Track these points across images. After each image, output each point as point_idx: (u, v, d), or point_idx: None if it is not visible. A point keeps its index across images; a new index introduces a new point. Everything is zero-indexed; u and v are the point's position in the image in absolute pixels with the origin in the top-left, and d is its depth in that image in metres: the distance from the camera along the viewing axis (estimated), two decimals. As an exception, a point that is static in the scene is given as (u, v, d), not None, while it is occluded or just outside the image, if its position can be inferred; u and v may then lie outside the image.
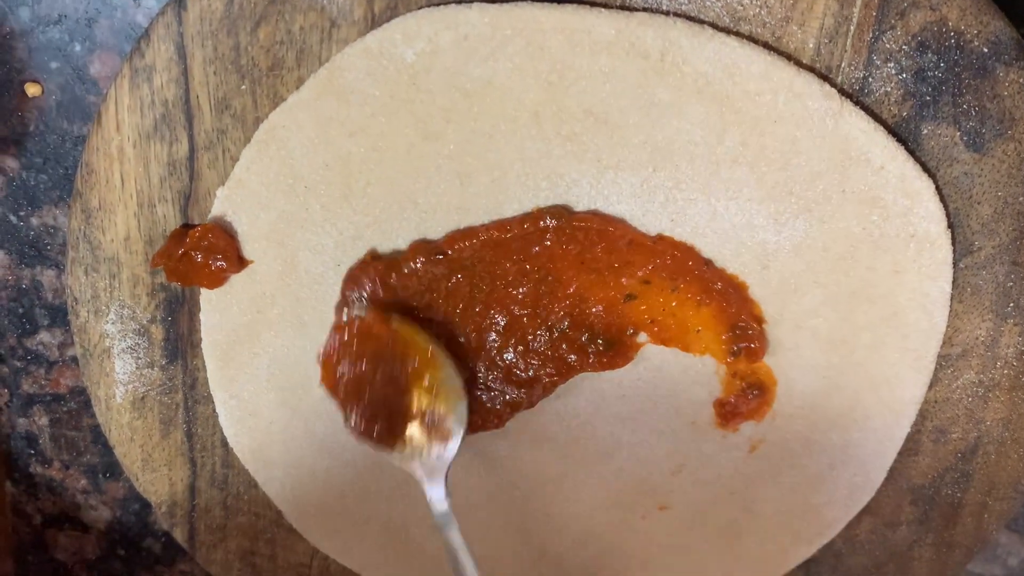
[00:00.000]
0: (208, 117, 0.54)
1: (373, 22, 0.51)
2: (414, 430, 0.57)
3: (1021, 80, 0.50)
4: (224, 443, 0.63)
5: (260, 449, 0.62)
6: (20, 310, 0.66)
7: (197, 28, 0.52)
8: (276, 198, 0.54)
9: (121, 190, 0.56)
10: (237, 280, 0.57)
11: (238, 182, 0.54)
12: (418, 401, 0.57)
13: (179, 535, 0.67)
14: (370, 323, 0.56)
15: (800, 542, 0.65)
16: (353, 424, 0.57)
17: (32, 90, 0.59)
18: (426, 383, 0.56)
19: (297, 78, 0.53)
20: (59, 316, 0.67)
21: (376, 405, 0.57)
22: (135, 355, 0.60)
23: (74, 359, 0.68)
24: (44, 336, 0.68)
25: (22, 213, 0.63)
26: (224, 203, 0.55)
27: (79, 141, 0.60)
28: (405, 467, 0.58)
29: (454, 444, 0.57)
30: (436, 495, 0.58)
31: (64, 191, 0.62)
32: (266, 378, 0.60)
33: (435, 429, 0.57)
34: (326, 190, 0.54)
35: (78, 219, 0.57)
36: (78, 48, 0.58)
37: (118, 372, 0.61)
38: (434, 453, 0.58)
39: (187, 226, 0.56)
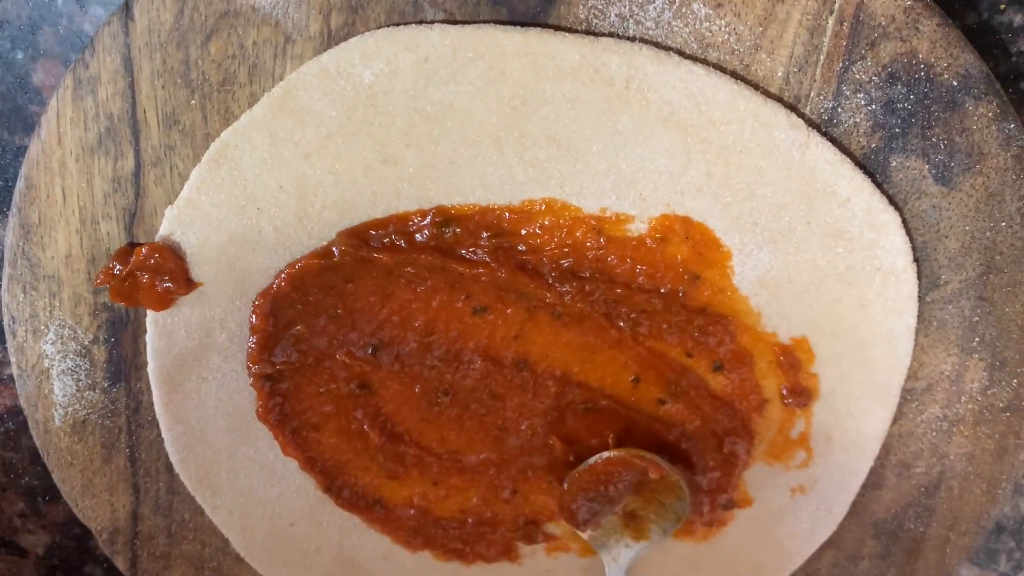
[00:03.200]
0: (155, 132, 0.52)
1: (329, 38, 0.49)
2: (613, 520, 0.60)
3: (990, 115, 0.49)
4: (169, 468, 0.61)
5: (207, 476, 0.60)
6: (-44, 327, 0.64)
7: (145, 40, 0.50)
8: (227, 219, 0.52)
9: (63, 206, 0.53)
10: (185, 302, 0.55)
11: (187, 202, 0.52)
12: (633, 502, 0.60)
13: (121, 563, 0.64)
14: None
15: (761, 574, 0.64)
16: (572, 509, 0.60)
17: (-29, 99, 0.56)
18: (650, 496, 0.60)
19: (249, 94, 0.51)
20: (-2, 333, 0.64)
21: (595, 495, 0.60)
22: (75, 377, 0.58)
23: (11, 378, 0.65)
24: (-19, 354, 0.65)
25: (-41, 226, 0.60)
26: (172, 223, 0.53)
27: (20, 152, 0.58)
28: (593, 545, 0.61)
29: (644, 544, 0.60)
30: (613, 573, 0.60)
31: (3, 203, 0.59)
32: (214, 404, 0.58)
33: (634, 525, 0.60)
34: (279, 212, 0.52)
35: (16, 234, 0.54)
36: (20, 56, 0.55)
37: (57, 394, 0.58)
38: (623, 542, 0.60)
39: (132, 245, 0.54)
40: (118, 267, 0.53)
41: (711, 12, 0.48)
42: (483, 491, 0.61)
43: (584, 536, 0.61)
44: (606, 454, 0.58)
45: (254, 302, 0.54)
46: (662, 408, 0.58)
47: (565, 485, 0.59)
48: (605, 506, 0.60)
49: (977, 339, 0.56)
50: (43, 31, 0.55)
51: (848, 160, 0.50)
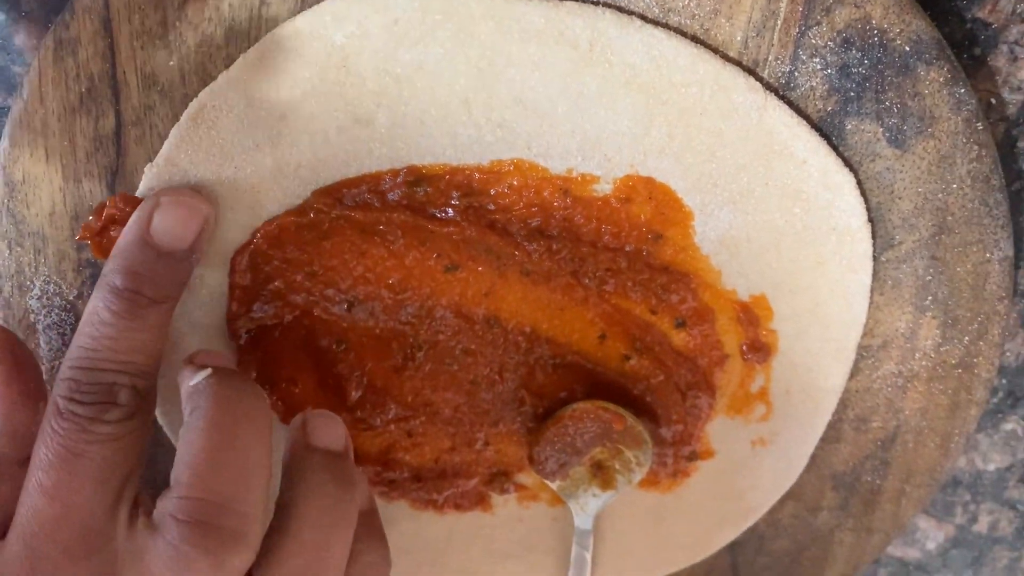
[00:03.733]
0: (135, 92, 0.53)
1: (304, 2, 0.51)
2: (581, 471, 0.63)
3: (941, 79, 0.51)
4: (154, 421, 0.62)
5: (189, 428, 0.62)
6: (-55, 283, 0.65)
7: (124, 2, 0.51)
8: (205, 177, 0.54)
9: (46, 164, 0.55)
10: (165, 258, 0.56)
11: (167, 160, 0.54)
12: (599, 452, 0.62)
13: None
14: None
15: (725, 525, 0.67)
16: (541, 460, 0.63)
17: (-45, 59, 0.57)
18: (615, 447, 0.62)
19: (226, 56, 0.52)
20: (-15, 290, 0.66)
21: (562, 447, 0.62)
22: (61, 331, 0.60)
23: None
24: (-30, 310, 0.66)
25: (-54, 185, 0.62)
26: (152, 180, 0.54)
27: (3, 112, 0.59)
28: (561, 495, 0.64)
29: (611, 493, 0.63)
30: (581, 522, 0.64)
31: (-10, 163, 0.61)
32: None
33: (600, 475, 0.63)
34: (255, 171, 0.54)
35: (2, 192, 0.56)
36: (2, 17, 0.56)
37: (43, 348, 0.60)
38: (590, 492, 0.63)
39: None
40: (97, 223, 0.55)
41: (672, -22, 0.49)
42: (456, 443, 0.63)
43: (553, 486, 0.63)
44: (573, 406, 0.60)
45: (232, 259, 0.56)
46: (627, 363, 0.61)
47: (534, 436, 0.61)
48: (572, 457, 0.62)
49: (930, 297, 0.58)
50: (25, -7, 0.56)
51: (804, 123, 0.52)
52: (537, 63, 0.50)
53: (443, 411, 0.62)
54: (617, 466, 0.62)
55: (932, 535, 0.74)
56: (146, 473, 0.64)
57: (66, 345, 0.60)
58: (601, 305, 0.58)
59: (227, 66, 0.52)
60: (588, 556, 0.63)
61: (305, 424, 0.52)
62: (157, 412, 0.61)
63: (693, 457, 0.63)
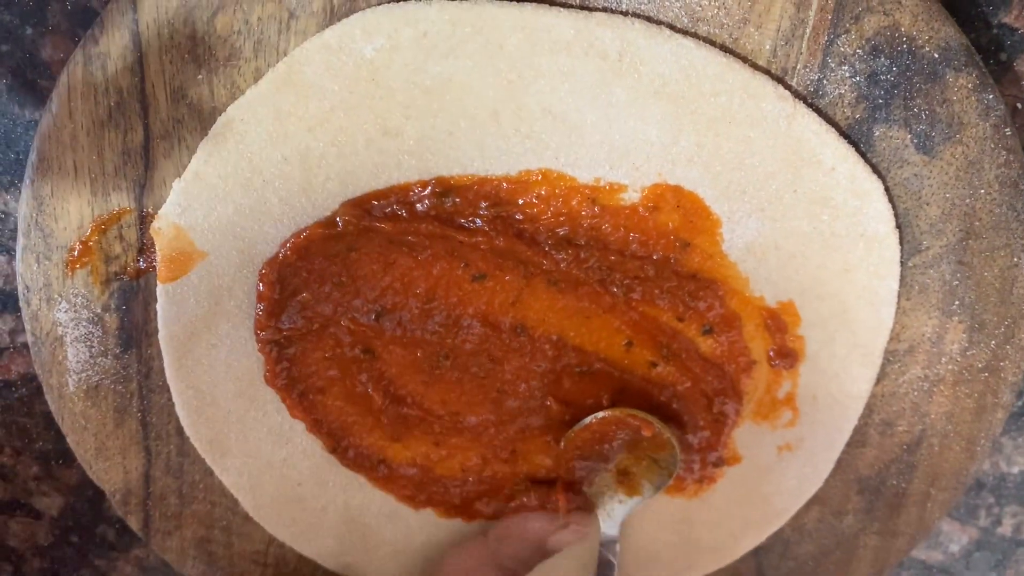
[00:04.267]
0: (164, 106, 0.53)
1: (332, 14, 0.51)
2: (607, 477, 0.63)
3: (969, 86, 0.51)
4: (179, 431, 0.63)
5: (217, 439, 0.62)
6: (-30, 296, 0.65)
7: (153, 16, 0.51)
8: (233, 191, 0.54)
9: (74, 178, 0.55)
10: (194, 272, 0.56)
11: (195, 174, 0.54)
12: (625, 459, 0.63)
13: (134, 523, 0.66)
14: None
15: (750, 530, 0.67)
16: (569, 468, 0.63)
17: (-18, 74, 0.57)
18: (639, 451, 0.62)
19: (255, 69, 0.52)
20: (10, 302, 0.66)
21: (590, 454, 0.62)
22: (88, 344, 0.60)
23: (26, 345, 0.67)
24: (-5, 322, 0.67)
25: (-28, 198, 0.62)
26: (180, 195, 0.55)
27: (31, 126, 0.59)
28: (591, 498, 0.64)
29: (637, 500, 0.63)
30: (607, 528, 0.63)
31: (15, 176, 0.61)
32: (224, 369, 0.60)
33: (626, 482, 0.63)
34: (284, 184, 0.54)
35: (30, 206, 0.56)
36: (29, 31, 0.56)
37: (71, 361, 0.60)
38: (616, 498, 0.63)
39: (144, 215, 0.56)
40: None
41: (701, -13, 0.49)
42: (483, 451, 0.63)
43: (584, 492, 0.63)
44: (601, 414, 0.61)
45: (261, 271, 0.56)
46: (654, 370, 0.61)
47: (562, 444, 0.62)
48: (599, 464, 0.62)
49: (957, 302, 0.58)
50: (51, 7, 0.56)
51: (833, 130, 0.52)
52: (566, 74, 0.50)
53: (470, 419, 0.62)
54: (643, 472, 0.62)
55: (956, 538, 0.74)
56: (172, 483, 0.64)
57: (93, 358, 0.60)
58: (628, 313, 0.59)
59: (256, 80, 0.52)
60: (615, 562, 0.63)
61: None
62: (184, 424, 0.62)
63: (719, 463, 0.63)
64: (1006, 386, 0.60)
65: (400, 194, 0.54)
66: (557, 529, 0.62)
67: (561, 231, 0.56)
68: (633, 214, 0.55)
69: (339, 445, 0.62)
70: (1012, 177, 0.53)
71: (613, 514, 0.63)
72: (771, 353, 0.59)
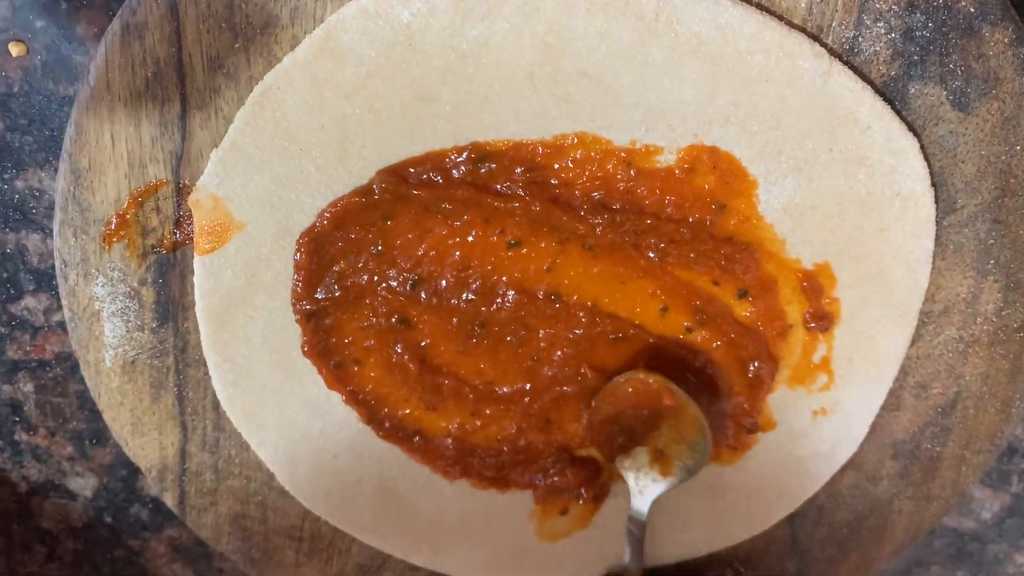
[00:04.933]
0: (201, 76, 0.53)
1: (368, -20, 0.51)
2: (642, 453, 0.62)
3: (1006, 40, 0.51)
4: (215, 406, 0.63)
5: (253, 412, 0.62)
6: (4, 275, 0.66)
7: (189, -14, 0.51)
8: (271, 160, 0.54)
9: (112, 150, 0.55)
10: (231, 243, 0.57)
11: (232, 144, 0.54)
12: (660, 438, 0.62)
13: (169, 500, 0.67)
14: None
15: (785, 497, 0.67)
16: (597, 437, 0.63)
17: (16, 49, 0.58)
18: (674, 431, 0.62)
19: (291, 36, 0.52)
20: (44, 281, 0.66)
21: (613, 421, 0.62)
22: (125, 318, 0.60)
23: (60, 324, 0.67)
24: (29, 301, 0.67)
25: (6, 176, 0.62)
26: (218, 165, 0.55)
27: (65, 102, 0.59)
28: (620, 471, 0.63)
29: (671, 481, 0.62)
30: (638, 503, 0.63)
31: (50, 153, 0.61)
32: (260, 341, 0.60)
33: (661, 461, 0.62)
34: (321, 152, 0.54)
35: (67, 180, 0.56)
36: (64, 6, 0.57)
37: (107, 336, 0.61)
38: (651, 476, 0.62)
39: (181, 187, 0.56)
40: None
41: (736, -55, 0.50)
42: (518, 420, 0.63)
43: (614, 464, 0.63)
44: (627, 374, 0.60)
45: (298, 241, 0.57)
46: (689, 335, 0.61)
47: (593, 403, 0.62)
48: (628, 435, 0.62)
49: (992, 261, 0.58)
50: (84, -18, 0.56)
51: (869, 88, 0.52)
52: (603, 35, 0.50)
53: (504, 388, 0.62)
54: (677, 454, 0.62)
55: (987, 505, 0.74)
56: (208, 459, 0.65)
57: (130, 332, 0.60)
58: (663, 277, 0.59)
59: (292, 47, 0.52)
60: (643, 539, 0.63)
61: None
62: (221, 397, 0.62)
63: (754, 429, 0.64)
64: (1041, 346, 0.60)
65: (436, 160, 0.55)
66: None
67: (596, 195, 0.56)
68: (669, 176, 0.55)
69: (375, 416, 0.63)
70: (1048, 133, 0.53)
71: (645, 491, 0.63)
72: (807, 316, 0.59)
